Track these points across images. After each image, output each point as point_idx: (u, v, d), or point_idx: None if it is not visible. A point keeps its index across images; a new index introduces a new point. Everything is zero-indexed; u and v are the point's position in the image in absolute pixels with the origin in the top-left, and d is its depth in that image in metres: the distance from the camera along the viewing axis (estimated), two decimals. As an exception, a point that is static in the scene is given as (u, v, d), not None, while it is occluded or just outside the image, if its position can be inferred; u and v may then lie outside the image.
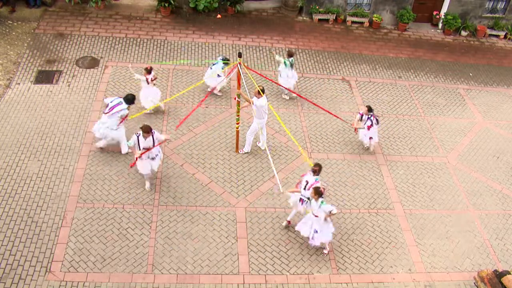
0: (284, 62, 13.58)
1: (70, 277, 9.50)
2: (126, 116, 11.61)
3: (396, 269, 10.51)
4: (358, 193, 12.02)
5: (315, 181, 10.03)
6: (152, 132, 10.47)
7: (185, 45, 15.99)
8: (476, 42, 18.78)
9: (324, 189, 9.87)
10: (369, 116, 12.43)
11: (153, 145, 10.59)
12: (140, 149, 10.52)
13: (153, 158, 10.83)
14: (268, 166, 12.27)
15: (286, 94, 14.41)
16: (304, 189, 10.11)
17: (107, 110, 11.36)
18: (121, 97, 11.53)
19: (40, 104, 13.16)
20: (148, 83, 12.61)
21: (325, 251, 10.53)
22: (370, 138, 12.73)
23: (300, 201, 10.36)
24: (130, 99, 11.51)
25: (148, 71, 12.47)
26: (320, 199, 9.61)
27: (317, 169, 10.14)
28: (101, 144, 11.84)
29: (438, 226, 11.55)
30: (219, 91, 14.10)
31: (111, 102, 11.41)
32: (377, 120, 12.57)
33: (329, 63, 16.35)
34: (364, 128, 12.56)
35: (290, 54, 13.69)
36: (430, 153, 13.55)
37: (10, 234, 10.07)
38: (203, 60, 14.45)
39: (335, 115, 12.66)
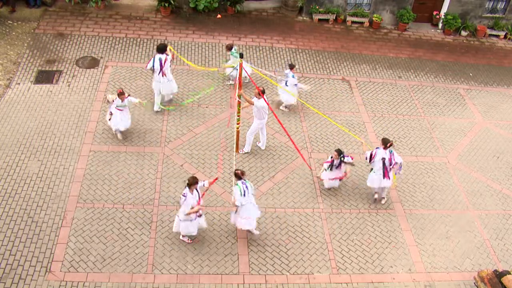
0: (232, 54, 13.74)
1: (70, 277, 9.50)
2: (172, 58, 13.09)
3: (396, 269, 10.51)
4: (358, 193, 12.02)
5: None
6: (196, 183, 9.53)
7: (185, 45, 15.99)
8: (476, 42, 18.78)
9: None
10: (340, 159, 11.22)
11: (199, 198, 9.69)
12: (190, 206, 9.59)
13: (200, 215, 9.98)
14: (268, 166, 12.27)
15: (285, 107, 14.09)
16: None
17: (159, 70, 12.48)
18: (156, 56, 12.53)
19: (40, 104, 13.17)
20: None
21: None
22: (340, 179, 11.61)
23: None
24: (162, 48, 12.52)
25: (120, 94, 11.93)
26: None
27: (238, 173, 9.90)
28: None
29: (438, 226, 11.55)
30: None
31: (154, 63, 12.47)
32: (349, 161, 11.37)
33: (329, 63, 16.35)
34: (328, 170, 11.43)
35: (229, 47, 13.76)
36: (430, 153, 13.55)
37: (10, 234, 10.07)
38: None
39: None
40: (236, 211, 10.12)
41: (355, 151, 13.13)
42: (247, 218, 10.07)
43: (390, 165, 10.90)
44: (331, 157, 11.37)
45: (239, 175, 9.83)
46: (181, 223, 9.83)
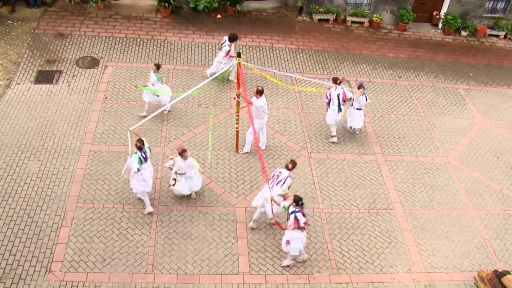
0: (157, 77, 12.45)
1: (70, 277, 9.50)
2: (229, 51, 13.59)
3: (396, 269, 10.51)
4: (358, 193, 12.02)
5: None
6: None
7: (185, 45, 15.99)
8: (476, 42, 18.78)
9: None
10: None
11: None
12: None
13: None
14: (268, 166, 12.26)
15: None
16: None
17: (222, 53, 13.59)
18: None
19: (40, 104, 13.17)
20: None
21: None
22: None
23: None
24: (233, 37, 13.53)
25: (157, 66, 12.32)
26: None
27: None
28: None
29: (438, 226, 11.55)
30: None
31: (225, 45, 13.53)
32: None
33: (329, 63, 16.35)
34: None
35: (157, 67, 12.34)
36: (430, 153, 13.55)
37: (10, 234, 10.07)
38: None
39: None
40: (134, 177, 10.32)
41: (355, 151, 13.11)
42: (142, 181, 10.30)
43: (344, 100, 12.63)
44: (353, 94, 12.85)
45: (138, 146, 10.07)
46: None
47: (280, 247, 10.56)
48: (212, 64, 14.51)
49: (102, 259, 9.88)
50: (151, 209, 10.77)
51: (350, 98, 12.70)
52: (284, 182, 10.15)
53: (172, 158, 10.70)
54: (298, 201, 9.47)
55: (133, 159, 10.03)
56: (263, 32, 17.25)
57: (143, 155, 10.09)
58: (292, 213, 9.45)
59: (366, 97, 12.87)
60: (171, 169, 10.79)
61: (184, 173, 10.60)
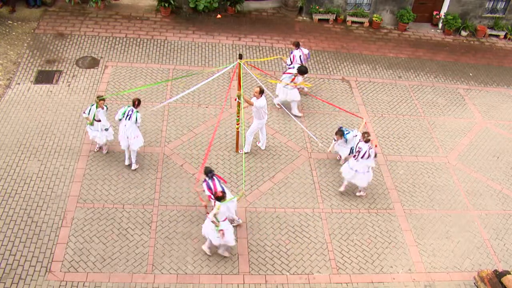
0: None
1: (70, 277, 9.50)
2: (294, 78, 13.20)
3: (396, 269, 10.51)
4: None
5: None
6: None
7: (185, 45, 15.99)
8: (476, 42, 18.78)
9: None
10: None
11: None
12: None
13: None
14: (268, 166, 12.27)
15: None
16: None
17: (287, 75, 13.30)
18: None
19: (40, 104, 13.17)
20: None
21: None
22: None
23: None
24: (303, 71, 13.11)
25: None
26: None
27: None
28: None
29: (438, 226, 11.55)
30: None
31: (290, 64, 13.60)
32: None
33: (329, 63, 16.35)
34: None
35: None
36: (430, 153, 13.55)
37: (10, 234, 10.07)
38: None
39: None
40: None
41: (355, 151, 13.10)
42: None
43: (306, 59, 13.90)
44: (334, 140, 12.02)
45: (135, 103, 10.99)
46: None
47: (280, 247, 10.57)
48: (277, 94, 13.79)
49: (102, 259, 9.88)
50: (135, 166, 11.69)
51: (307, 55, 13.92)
52: (369, 155, 10.95)
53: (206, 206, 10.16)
54: (207, 173, 9.86)
55: (120, 110, 11.11)
56: (263, 32, 17.25)
57: (129, 112, 10.99)
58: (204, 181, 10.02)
59: (368, 152, 10.92)
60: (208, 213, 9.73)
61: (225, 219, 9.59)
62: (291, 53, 13.91)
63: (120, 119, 11.02)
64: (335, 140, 11.98)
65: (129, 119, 10.92)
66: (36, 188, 11.03)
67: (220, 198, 9.28)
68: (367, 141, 10.87)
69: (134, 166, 11.64)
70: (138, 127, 11.18)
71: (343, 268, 10.36)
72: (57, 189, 11.07)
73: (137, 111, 10.93)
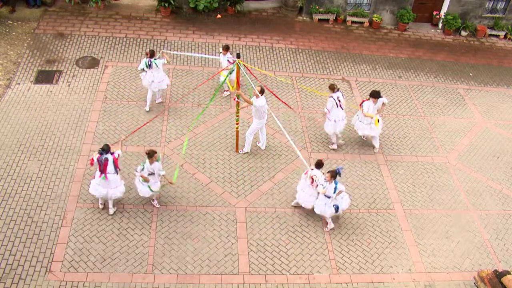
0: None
1: (70, 277, 9.50)
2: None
3: (396, 269, 10.51)
4: (358, 193, 12.01)
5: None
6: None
7: (185, 45, 15.99)
8: (476, 42, 18.78)
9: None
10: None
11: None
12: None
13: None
14: (268, 166, 12.27)
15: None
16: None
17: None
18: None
19: (40, 104, 13.17)
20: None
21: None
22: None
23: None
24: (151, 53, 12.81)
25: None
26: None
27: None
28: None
29: (438, 226, 11.55)
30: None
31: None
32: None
33: (329, 63, 16.35)
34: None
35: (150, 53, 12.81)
36: (430, 153, 13.54)
37: (10, 234, 10.07)
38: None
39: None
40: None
41: (355, 151, 13.09)
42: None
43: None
44: (325, 179, 10.40)
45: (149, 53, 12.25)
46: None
47: (280, 247, 10.57)
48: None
49: (102, 259, 9.88)
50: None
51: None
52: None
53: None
54: (149, 154, 10.00)
55: (142, 62, 12.62)
56: (263, 32, 17.25)
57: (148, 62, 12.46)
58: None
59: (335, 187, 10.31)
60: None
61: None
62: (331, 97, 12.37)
63: (143, 69, 12.63)
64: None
65: (151, 68, 12.56)
66: (36, 188, 11.03)
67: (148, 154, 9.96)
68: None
69: (111, 211, 10.73)
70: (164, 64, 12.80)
71: (343, 268, 10.36)
72: (57, 189, 11.07)
73: (155, 59, 12.51)
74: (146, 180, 10.27)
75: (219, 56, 13.70)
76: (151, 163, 10.10)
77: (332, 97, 12.22)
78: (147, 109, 13.28)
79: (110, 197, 10.38)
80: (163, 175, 10.53)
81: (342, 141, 13.25)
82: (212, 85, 14.36)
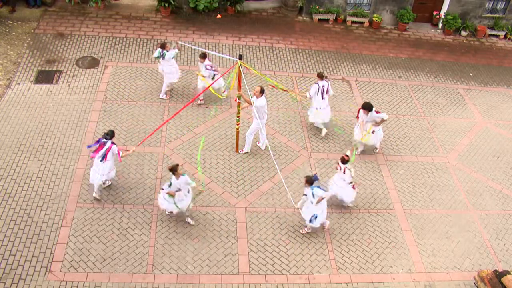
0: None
1: (70, 277, 9.50)
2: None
3: (396, 269, 10.51)
4: (358, 193, 12.00)
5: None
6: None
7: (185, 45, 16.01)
8: (476, 42, 18.78)
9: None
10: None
11: None
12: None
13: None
14: (268, 166, 12.27)
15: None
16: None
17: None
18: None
19: (40, 104, 13.17)
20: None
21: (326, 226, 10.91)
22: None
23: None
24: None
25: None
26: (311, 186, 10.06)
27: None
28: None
29: (438, 226, 11.55)
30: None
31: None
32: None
33: (329, 63, 16.35)
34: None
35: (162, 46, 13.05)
36: (430, 153, 13.55)
37: (10, 234, 10.07)
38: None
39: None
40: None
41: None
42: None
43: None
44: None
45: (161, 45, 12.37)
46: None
47: (280, 247, 10.57)
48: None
49: (102, 259, 9.88)
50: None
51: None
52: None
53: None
54: (172, 170, 9.80)
55: (156, 51, 12.98)
56: (263, 32, 17.25)
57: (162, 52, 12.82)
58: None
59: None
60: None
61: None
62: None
63: (157, 57, 13.04)
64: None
65: (164, 58, 12.93)
66: (36, 188, 11.03)
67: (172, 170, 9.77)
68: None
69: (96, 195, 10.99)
70: (174, 57, 13.06)
71: (343, 268, 10.36)
72: (57, 189, 11.07)
73: (167, 51, 12.85)
74: (172, 195, 9.92)
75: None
76: (177, 178, 9.81)
77: (317, 83, 12.54)
78: (161, 96, 13.71)
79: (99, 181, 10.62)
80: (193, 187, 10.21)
81: (325, 132, 13.30)
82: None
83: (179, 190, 9.93)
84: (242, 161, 12.37)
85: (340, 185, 11.10)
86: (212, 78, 12.81)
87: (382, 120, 12.26)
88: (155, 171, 11.74)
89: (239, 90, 11.17)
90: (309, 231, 10.87)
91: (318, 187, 10.19)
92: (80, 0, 17.15)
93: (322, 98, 12.68)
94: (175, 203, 10.10)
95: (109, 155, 10.28)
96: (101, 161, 10.33)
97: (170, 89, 13.88)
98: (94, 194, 10.85)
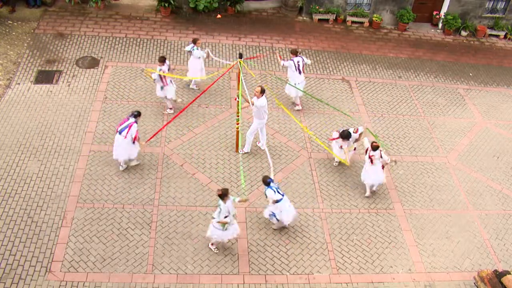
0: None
1: (70, 277, 9.50)
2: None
3: (396, 269, 10.52)
4: (358, 193, 12.01)
5: None
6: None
7: (185, 45, 15.99)
8: (476, 42, 18.78)
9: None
10: None
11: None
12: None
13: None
14: (268, 166, 12.26)
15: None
16: None
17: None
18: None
19: (40, 104, 13.17)
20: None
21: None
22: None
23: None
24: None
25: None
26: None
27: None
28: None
29: (438, 226, 11.55)
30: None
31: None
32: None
33: (329, 63, 16.35)
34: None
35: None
36: (430, 153, 13.54)
37: (10, 234, 10.07)
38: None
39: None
40: None
41: (355, 151, 13.10)
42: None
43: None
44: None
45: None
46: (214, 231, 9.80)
47: (280, 247, 10.57)
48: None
49: (102, 259, 9.88)
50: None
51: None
52: None
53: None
54: (221, 195, 9.36)
55: (188, 46, 13.46)
56: (263, 32, 17.25)
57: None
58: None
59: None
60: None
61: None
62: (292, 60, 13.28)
63: (188, 51, 13.39)
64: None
65: (192, 54, 13.27)
66: (36, 188, 11.03)
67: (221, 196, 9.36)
68: None
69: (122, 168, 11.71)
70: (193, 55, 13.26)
71: (343, 268, 10.36)
72: (57, 189, 11.07)
73: (197, 48, 13.21)
74: (225, 223, 9.54)
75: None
76: (225, 202, 9.37)
77: (292, 60, 13.19)
78: (191, 86, 14.23)
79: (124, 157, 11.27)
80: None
81: (299, 108, 14.06)
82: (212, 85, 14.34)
83: (227, 216, 9.50)
84: (242, 161, 12.37)
85: (374, 171, 11.35)
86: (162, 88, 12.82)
87: (361, 134, 11.99)
88: (155, 171, 11.74)
89: (238, 89, 11.16)
90: (276, 228, 10.85)
91: (272, 188, 10.09)
92: (80, 0, 17.15)
93: (300, 73, 13.30)
94: (226, 229, 9.68)
95: (128, 134, 10.87)
96: (120, 134, 10.92)
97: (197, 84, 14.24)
98: (120, 168, 11.60)
